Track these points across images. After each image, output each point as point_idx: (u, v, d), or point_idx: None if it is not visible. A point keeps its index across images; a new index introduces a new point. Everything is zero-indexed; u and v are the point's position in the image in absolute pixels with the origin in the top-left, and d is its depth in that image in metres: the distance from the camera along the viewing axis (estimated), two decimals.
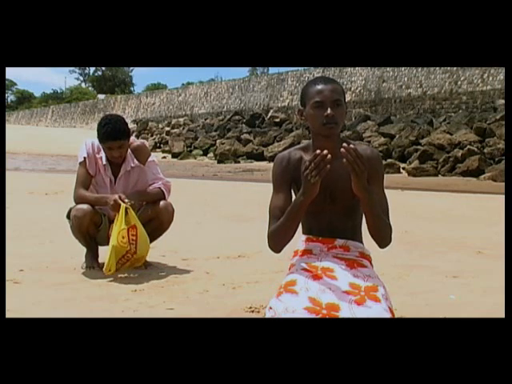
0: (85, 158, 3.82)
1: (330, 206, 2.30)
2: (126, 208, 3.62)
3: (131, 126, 34.14)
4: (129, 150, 3.87)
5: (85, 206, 3.72)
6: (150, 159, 3.95)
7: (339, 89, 2.28)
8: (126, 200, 3.64)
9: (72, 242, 3.93)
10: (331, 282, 2.19)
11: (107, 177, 3.87)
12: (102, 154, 3.85)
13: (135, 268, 3.77)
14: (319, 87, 2.25)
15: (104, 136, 3.72)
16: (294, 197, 2.29)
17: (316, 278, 2.22)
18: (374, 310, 2.08)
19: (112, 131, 3.70)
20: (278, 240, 2.24)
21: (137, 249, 3.65)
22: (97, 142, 3.88)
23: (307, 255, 2.35)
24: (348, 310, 2.07)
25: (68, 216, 3.84)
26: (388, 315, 2.12)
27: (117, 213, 3.63)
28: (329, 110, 2.21)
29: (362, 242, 2.39)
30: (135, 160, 3.89)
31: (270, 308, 2.19)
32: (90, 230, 3.80)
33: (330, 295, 2.12)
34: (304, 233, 2.42)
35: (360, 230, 2.40)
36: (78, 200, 3.77)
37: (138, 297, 3.23)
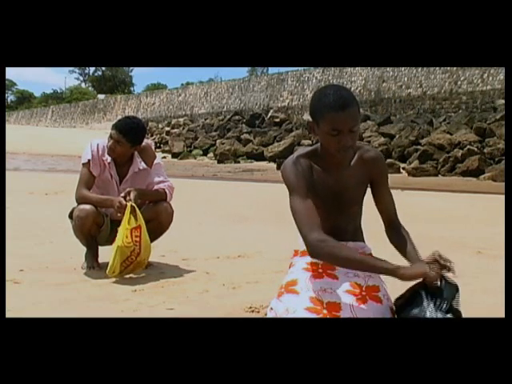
0: (89, 160, 3.82)
1: (336, 212, 2.29)
2: (133, 206, 3.58)
3: None
4: (135, 152, 3.88)
5: (88, 207, 3.71)
6: (156, 161, 3.94)
7: (356, 110, 2.07)
8: (132, 197, 3.62)
9: (72, 242, 3.93)
10: (332, 282, 2.19)
11: (112, 177, 3.87)
12: (108, 156, 3.86)
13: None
14: (335, 113, 2.03)
15: (115, 124, 3.84)
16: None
17: (317, 277, 2.22)
18: (376, 311, 2.08)
19: (123, 125, 3.79)
20: (331, 261, 2.12)
21: (140, 250, 3.61)
22: (102, 143, 3.89)
23: (307, 255, 2.35)
24: (349, 310, 2.07)
25: (70, 216, 3.83)
26: (389, 315, 2.12)
27: (122, 214, 3.58)
28: (344, 141, 2.06)
29: (363, 241, 2.39)
30: (142, 163, 3.90)
31: (271, 309, 2.19)
32: (92, 230, 3.80)
33: (331, 295, 2.12)
34: None
35: (361, 229, 2.40)
36: (81, 200, 3.76)
37: (138, 297, 3.23)
